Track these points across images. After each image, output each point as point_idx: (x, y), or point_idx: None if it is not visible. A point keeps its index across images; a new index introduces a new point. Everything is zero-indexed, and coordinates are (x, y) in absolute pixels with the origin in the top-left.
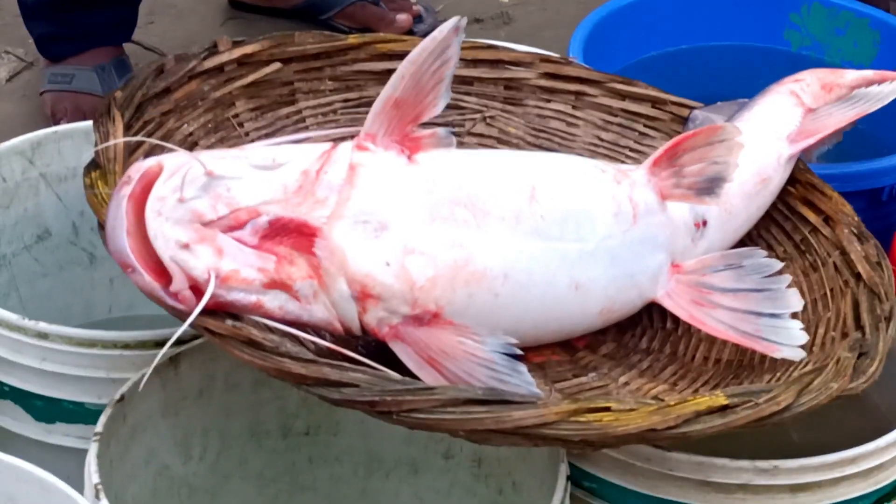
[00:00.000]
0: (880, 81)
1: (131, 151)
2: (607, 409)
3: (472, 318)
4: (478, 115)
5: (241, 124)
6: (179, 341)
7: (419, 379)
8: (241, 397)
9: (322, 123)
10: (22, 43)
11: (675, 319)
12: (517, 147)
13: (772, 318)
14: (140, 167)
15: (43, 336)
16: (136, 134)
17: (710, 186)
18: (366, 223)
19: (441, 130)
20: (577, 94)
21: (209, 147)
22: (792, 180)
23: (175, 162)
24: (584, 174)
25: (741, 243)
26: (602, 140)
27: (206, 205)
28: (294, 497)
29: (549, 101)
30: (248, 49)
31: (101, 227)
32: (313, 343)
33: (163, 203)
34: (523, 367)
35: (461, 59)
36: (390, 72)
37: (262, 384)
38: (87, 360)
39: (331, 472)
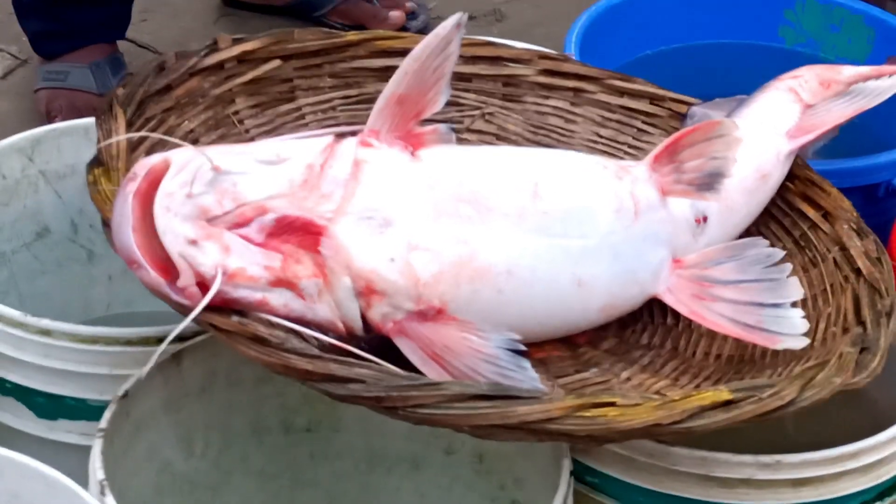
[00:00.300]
0: (877, 77)
1: (133, 148)
2: (612, 404)
3: (476, 314)
4: (477, 112)
5: (241, 121)
6: (182, 338)
7: (423, 375)
8: (242, 394)
9: (322, 120)
10: (16, 40)
11: (676, 315)
12: (516, 144)
13: (773, 308)
14: (145, 164)
15: (45, 333)
16: (137, 131)
17: (709, 182)
18: (370, 219)
19: (442, 127)
20: (576, 90)
21: (210, 144)
22: (791, 176)
23: (182, 157)
24: (586, 170)
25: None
26: (600, 136)
27: (213, 200)
28: (295, 493)
29: (547, 97)
30: (248, 46)
31: (105, 223)
32: (316, 339)
33: (171, 199)
34: (527, 363)
35: (460, 56)
36: (389, 68)
37: (263, 381)
38: (90, 357)
39: (332, 468)
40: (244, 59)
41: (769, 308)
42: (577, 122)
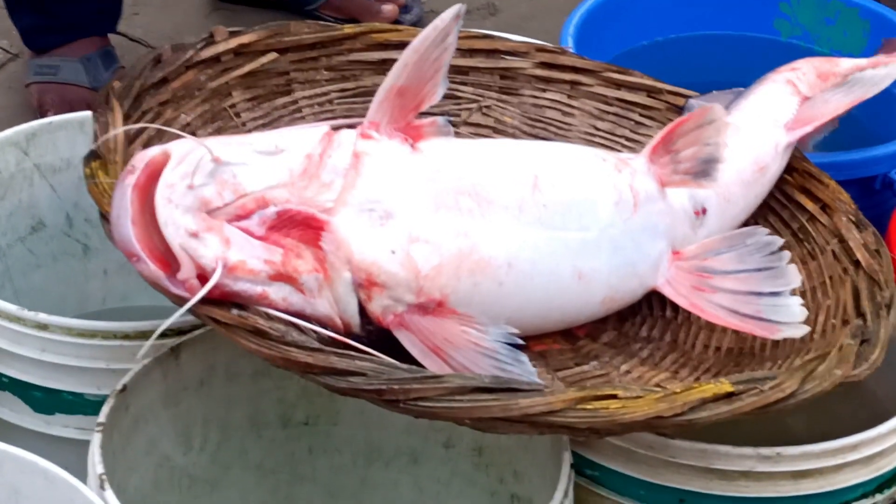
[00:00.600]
0: (874, 67)
1: (130, 141)
2: (614, 396)
3: (477, 306)
4: (474, 105)
5: (237, 114)
6: (180, 332)
7: (423, 368)
8: (241, 387)
9: (318, 113)
10: (7, 34)
11: (675, 307)
12: (513, 137)
13: (772, 296)
14: (144, 156)
15: (42, 327)
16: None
17: (704, 169)
18: (371, 211)
19: (440, 119)
20: (573, 83)
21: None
22: (789, 169)
23: (182, 149)
24: (586, 163)
25: None
26: (598, 129)
27: (213, 191)
28: (293, 487)
29: (544, 90)
30: (244, 39)
31: (103, 216)
32: (315, 333)
33: (172, 190)
34: (525, 357)
35: (457, 49)
36: (386, 62)
37: (262, 374)
38: (87, 351)
39: (330, 462)
40: (240, 52)
41: (768, 297)
42: (574, 115)
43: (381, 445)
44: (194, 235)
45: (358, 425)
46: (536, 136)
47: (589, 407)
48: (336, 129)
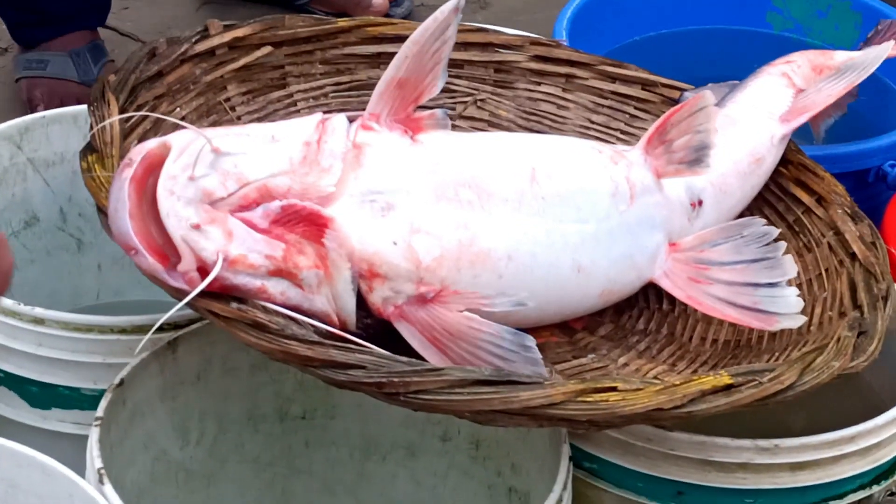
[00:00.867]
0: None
1: (125, 135)
2: (614, 388)
3: None
4: (469, 99)
5: (232, 108)
6: (177, 326)
7: (423, 362)
8: (238, 381)
9: (313, 107)
10: None
11: (672, 300)
12: (508, 130)
13: (769, 287)
14: (142, 149)
15: (39, 321)
16: (130, 118)
17: (697, 156)
18: (373, 202)
19: (438, 112)
20: (568, 76)
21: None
22: (784, 161)
23: (182, 140)
24: (583, 155)
25: None
26: (593, 122)
27: (216, 182)
28: (290, 481)
29: (539, 83)
30: (239, 32)
31: (100, 210)
32: (313, 326)
33: (174, 182)
34: (531, 341)
35: None
36: (381, 55)
37: (259, 368)
38: (84, 346)
39: (327, 455)
40: (235, 46)
41: (765, 288)
42: (569, 109)
43: (378, 439)
44: (196, 227)
45: (354, 419)
46: (531, 130)
47: (589, 399)
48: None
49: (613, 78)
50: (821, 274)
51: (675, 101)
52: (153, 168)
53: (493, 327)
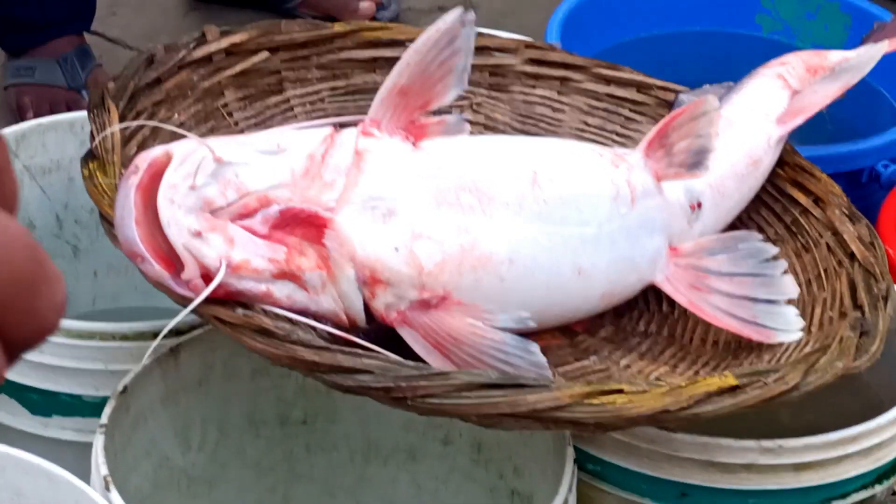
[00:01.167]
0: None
1: (125, 142)
2: (620, 391)
3: (479, 302)
4: (465, 102)
5: (230, 114)
6: (179, 332)
7: (429, 365)
8: (239, 386)
9: (310, 112)
10: None
11: (671, 302)
12: (504, 134)
13: (767, 304)
14: (147, 156)
15: None
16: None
17: (697, 160)
18: (374, 209)
19: (451, 117)
20: (563, 79)
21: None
22: (780, 163)
23: (184, 149)
24: (583, 158)
25: (733, 226)
26: (588, 125)
27: (216, 191)
28: (291, 485)
29: (534, 87)
30: (236, 38)
31: (104, 217)
32: (314, 330)
33: (175, 191)
34: (535, 347)
35: None
36: (377, 60)
37: (260, 373)
38: (85, 353)
39: (328, 459)
40: (232, 52)
41: (763, 304)
42: (564, 111)
43: (379, 442)
44: (197, 235)
45: (356, 423)
46: (527, 133)
47: (596, 402)
48: (339, 126)
49: (608, 80)
50: (820, 274)
51: (670, 104)
52: (159, 175)
53: (496, 332)
